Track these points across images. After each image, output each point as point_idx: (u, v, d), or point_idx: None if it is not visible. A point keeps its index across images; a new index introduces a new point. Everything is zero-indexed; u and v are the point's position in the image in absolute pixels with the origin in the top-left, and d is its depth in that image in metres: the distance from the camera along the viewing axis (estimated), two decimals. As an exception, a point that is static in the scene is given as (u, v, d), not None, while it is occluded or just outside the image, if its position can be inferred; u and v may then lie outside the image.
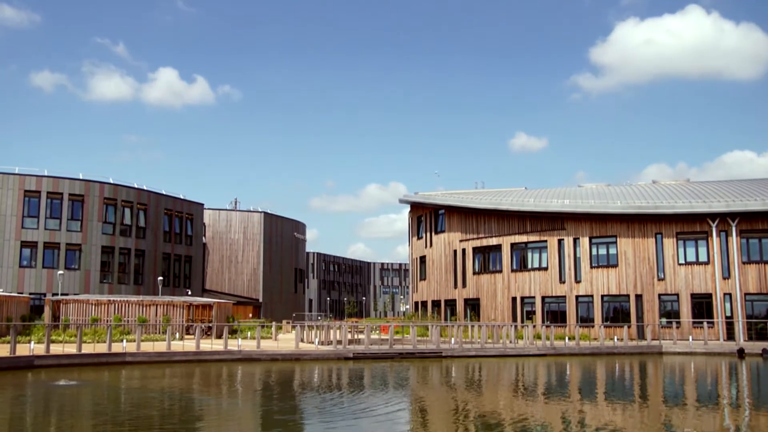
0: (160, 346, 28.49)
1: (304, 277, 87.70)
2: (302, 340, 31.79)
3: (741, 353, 31.95)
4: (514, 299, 44.25)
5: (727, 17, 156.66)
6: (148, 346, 28.05)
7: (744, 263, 38.18)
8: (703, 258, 39.10)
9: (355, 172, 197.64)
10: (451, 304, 48.61)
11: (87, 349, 25.90)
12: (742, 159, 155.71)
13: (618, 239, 40.92)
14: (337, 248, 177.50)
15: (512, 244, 44.92)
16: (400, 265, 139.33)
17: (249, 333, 36.36)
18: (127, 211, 53.37)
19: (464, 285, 47.61)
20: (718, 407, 16.67)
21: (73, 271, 49.41)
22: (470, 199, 47.83)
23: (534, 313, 42.96)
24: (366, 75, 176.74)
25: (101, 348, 26.72)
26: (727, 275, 38.43)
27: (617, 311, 41.09)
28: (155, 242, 56.09)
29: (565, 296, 42.13)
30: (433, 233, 51.16)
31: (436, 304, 50.12)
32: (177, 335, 34.91)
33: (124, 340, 27.65)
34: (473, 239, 47.26)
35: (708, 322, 37.36)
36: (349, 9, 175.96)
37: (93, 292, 48.35)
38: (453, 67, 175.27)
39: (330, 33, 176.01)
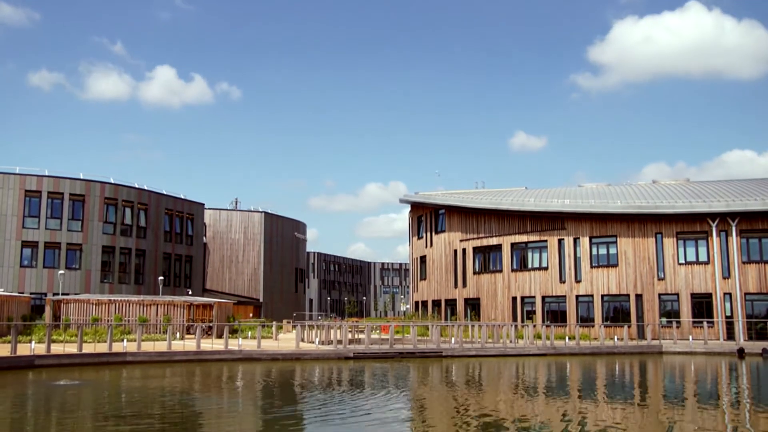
0: (160, 346, 28.54)
1: (304, 277, 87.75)
2: (303, 340, 31.83)
3: (741, 353, 31.97)
4: (514, 299, 44.29)
5: (728, 14, 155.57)
6: (148, 346, 28.09)
7: (744, 263, 38.21)
8: (703, 258, 39.14)
9: (355, 172, 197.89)
10: (451, 303, 48.65)
11: (88, 348, 25.93)
12: (742, 158, 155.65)
13: (618, 239, 40.95)
14: (336, 248, 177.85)
15: (512, 244, 44.95)
16: (401, 264, 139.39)
17: (249, 333, 36.40)
18: (128, 210, 53.42)
19: (464, 285, 47.64)
20: (718, 407, 16.70)
21: (74, 270, 49.47)
22: (470, 199, 47.87)
23: (534, 312, 42.99)
24: (365, 74, 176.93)
25: (102, 348, 26.76)
26: (727, 275, 38.46)
27: (617, 311, 41.13)
28: (156, 242, 56.14)
29: (565, 296, 42.16)
30: (433, 233, 51.19)
31: (436, 303, 50.15)
32: (178, 335, 34.96)
33: (125, 340, 27.70)
34: (473, 239, 47.30)
35: (708, 322, 37.39)
36: (348, 8, 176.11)
37: (94, 292, 48.39)
38: (452, 67, 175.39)
39: (330, 32, 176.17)
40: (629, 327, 37.40)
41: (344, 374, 23.32)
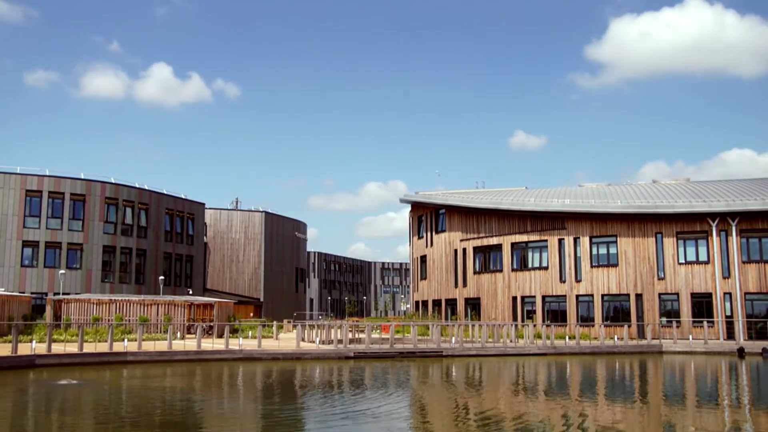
0: (161, 346, 28.59)
1: (305, 277, 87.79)
2: (303, 340, 31.88)
3: (741, 352, 32.01)
4: (514, 299, 44.32)
5: (730, 9, 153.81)
6: (149, 346, 28.14)
7: (744, 263, 38.23)
8: (703, 257, 39.16)
9: (354, 171, 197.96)
10: (451, 303, 48.68)
11: (88, 348, 25.97)
12: (741, 158, 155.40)
13: (618, 239, 40.97)
14: (336, 247, 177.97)
15: (513, 244, 44.98)
16: (401, 264, 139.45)
17: (250, 332, 36.44)
18: (129, 210, 53.45)
19: (465, 284, 47.67)
20: (718, 406, 16.73)
21: (75, 270, 49.51)
22: (471, 199, 47.91)
23: (534, 312, 43.02)
24: (365, 74, 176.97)
25: (102, 347, 26.81)
26: (727, 275, 38.47)
27: (617, 310, 41.16)
28: (156, 242, 56.19)
29: (565, 296, 42.19)
30: (433, 233, 51.23)
31: (436, 303, 50.19)
32: (178, 334, 35.02)
33: (126, 340, 27.74)
34: (474, 239, 47.33)
35: (708, 322, 37.41)
36: (348, 7, 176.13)
37: (94, 292, 48.43)
38: (452, 66, 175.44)
39: (329, 31, 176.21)
40: (629, 327, 37.43)
41: (345, 374, 23.35)
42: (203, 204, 64.20)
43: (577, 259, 42.17)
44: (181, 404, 16.21)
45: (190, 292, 57.42)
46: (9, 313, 33.88)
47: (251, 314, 66.45)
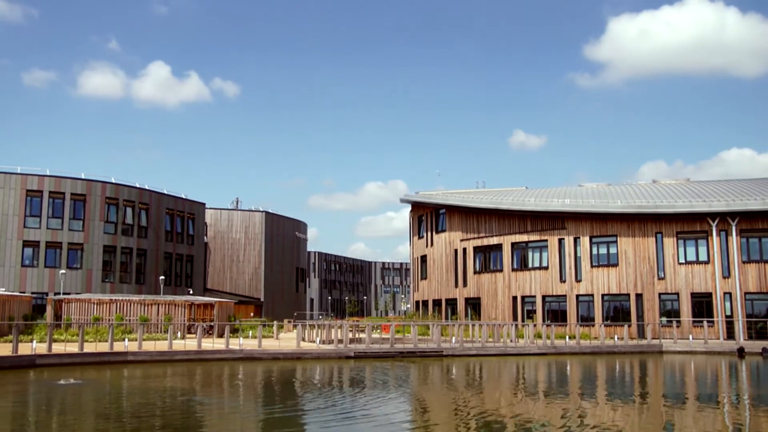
0: (161, 345, 28.62)
1: (305, 277, 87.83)
2: (303, 339, 31.91)
3: (741, 352, 32.02)
4: (514, 298, 44.34)
5: (731, 7, 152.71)
6: (149, 345, 28.16)
7: (744, 262, 38.25)
8: (703, 257, 39.18)
9: (354, 171, 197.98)
10: (452, 303, 48.70)
11: (89, 348, 26.01)
12: (741, 157, 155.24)
13: (618, 238, 41.00)
14: (336, 246, 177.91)
15: (513, 244, 45.00)
16: (401, 264, 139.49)
17: (250, 332, 36.46)
18: (129, 210, 53.49)
19: (465, 284, 47.70)
20: (718, 406, 16.75)
21: (75, 270, 49.55)
22: (471, 199, 47.93)
23: (534, 312, 43.04)
24: (365, 73, 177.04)
25: (103, 347, 26.84)
26: (727, 274, 38.49)
27: (617, 310, 41.18)
28: (157, 242, 56.23)
29: (565, 295, 42.22)
30: (434, 232, 51.26)
31: (437, 303, 50.21)
32: (179, 334, 35.05)
33: (126, 339, 27.78)
34: (474, 238, 47.35)
35: (708, 322, 37.42)
36: (348, 6, 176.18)
37: (95, 292, 48.48)
38: (451, 65, 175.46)
39: (329, 30, 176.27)
40: (629, 326, 37.45)
41: (345, 374, 23.38)
42: (204, 204, 64.25)
43: (577, 259, 42.20)
44: (182, 404, 16.24)
45: (191, 292, 57.46)
46: (9, 313, 33.91)
47: (252, 314, 66.49)
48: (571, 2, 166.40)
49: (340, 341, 30.50)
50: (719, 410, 15.89)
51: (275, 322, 38.65)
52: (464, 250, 47.96)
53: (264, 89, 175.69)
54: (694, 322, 38.50)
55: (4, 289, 41.12)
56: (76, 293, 46.24)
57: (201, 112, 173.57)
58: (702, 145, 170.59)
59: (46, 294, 46.05)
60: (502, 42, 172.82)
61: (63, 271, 47.56)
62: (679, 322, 38.46)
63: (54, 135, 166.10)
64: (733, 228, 38.36)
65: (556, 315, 42.46)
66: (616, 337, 36.02)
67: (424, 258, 52.57)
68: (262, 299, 72.36)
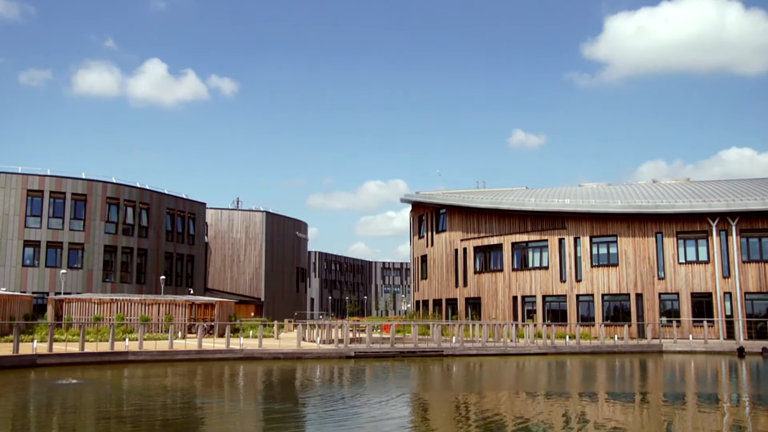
0: (162, 345, 28.66)
1: (305, 276, 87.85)
2: (304, 339, 31.96)
3: (741, 352, 32.05)
4: (515, 298, 44.37)
5: (733, 3, 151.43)
6: (150, 345, 28.21)
7: (744, 262, 38.28)
8: (703, 257, 39.20)
9: (354, 170, 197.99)
10: (452, 303, 48.74)
11: (90, 347, 26.06)
12: (741, 156, 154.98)
13: (618, 238, 41.03)
14: (335, 245, 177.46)
15: (513, 244, 45.03)
16: (402, 264, 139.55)
17: (251, 332, 36.53)
18: (130, 210, 53.53)
19: (465, 284, 47.73)
20: (719, 406, 16.79)
21: (76, 270, 49.59)
22: (471, 199, 47.97)
23: (535, 312, 43.08)
24: (364, 73, 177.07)
25: (104, 347, 26.89)
26: (727, 274, 38.52)
27: (618, 310, 41.21)
28: (157, 241, 56.27)
29: (565, 295, 42.25)
30: (434, 232, 51.30)
31: (437, 303, 50.25)
32: (179, 334, 35.10)
33: (127, 339, 27.80)
34: (474, 238, 47.39)
35: (708, 321, 37.46)
36: (348, 6, 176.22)
37: (96, 291, 48.52)
38: (451, 65, 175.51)
39: (329, 30, 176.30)
40: (629, 326, 37.49)
41: (345, 373, 23.42)
42: (204, 204, 64.28)
43: (577, 259, 42.23)
44: (182, 404, 16.27)
45: (191, 292, 57.50)
46: (10, 313, 33.96)
47: (252, 314, 66.56)
48: (570, 1, 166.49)
49: (341, 341, 30.54)
50: (719, 410, 15.93)
51: (276, 322, 38.71)
52: (464, 249, 48.00)
53: (264, 89, 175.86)
54: (694, 321, 38.54)
55: (5, 289, 41.18)
56: (77, 293, 46.29)
57: (199, 111, 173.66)
58: (701, 144, 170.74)
59: (47, 294, 46.09)
60: (501, 42, 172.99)
61: (64, 270, 47.61)
62: (679, 321, 38.49)
63: (51, 134, 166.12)
64: (733, 228, 38.39)
65: (556, 315, 42.49)
66: (616, 336, 36.05)
67: (424, 258, 52.61)
68: (262, 299, 72.40)
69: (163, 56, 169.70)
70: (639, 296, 40.19)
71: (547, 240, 43.34)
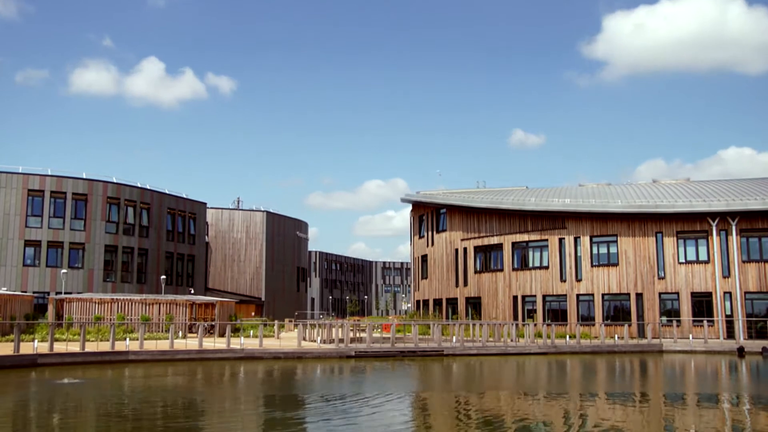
0: (163, 345, 28.69)
1: (306, 276, 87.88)
2: (304, 339, 31.98)
3: (741, 352, 32.08)
4: (515, 298, 44.40)
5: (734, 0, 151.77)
6: (151, 345, 28.24)
7: (744, 262, 38.29)
8: (703, 257, 39.22)
9: (353, 170, 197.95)
10: (452, 302, 48.77)
11: (90, 347, 26.10)
12: (740, 156, 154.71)
13: (619, 238, 41.04)
14: (335, 245, 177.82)
15: (513, 243, 45.06)
16: (402, 263, 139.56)
17: (251, 331, 36.55)
18: (131, 210, 53.57)
19: (465, 284, 47.76)
20: (719, 405, 16.81)
21: (77, 269, 49.63)
22: (471, 199, 48.00)
23: (535, 311, 43.11)
24: (364, 73, 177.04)
25: (104, 346, 26.93)
26: (727, 274, 38.53)
27: (618, 310, 41.23)
28: (158, 241, 56.31)
29: (565, 295, 42.27)
30: (434, 232, 51.33)
31: (437, 302, 50.28)
32: (180, 334, 35.12)
33: (128, 339, 27.85)
34: (475, 238, 47.41)
35: (708, 321, 37.47)
36: (348, 6, 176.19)
37: (96, 291, 48.56)
38: (450, 65, 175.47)
39: (329, 30, 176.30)
40: (630, 326, 37.51)
41: (346, 373, 23.45)
42: (205, 204, 64.31)
43: (577, 259, 42.25)
44: (183, 403, 16.31)
45: (192, 292, 57.54)
46: (11, 313, 34.01)
47: (253, 313, 66.56)
48: (571, 2, 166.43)
49: (341, 341, 30.57)
50: (719, 409, 15.95)
51: (276, 322, 38.75)
52: (465, 249, 48.03)
53: (264, 88, 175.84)
54: (694, 321, 38.55)
55: (5, 289, 41.23)
56: (78, 293, 46.32)
57: (199, 111, 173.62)
58: (701, 143, 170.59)
59: (48, 293, 46.14)
60: (501, 42, 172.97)
61: (64, 270, 47.65)
62: (679, 321, 38.51)
63: (51, 134, 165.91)
64: (733, 228, 38.40)
65: (556, 314, 42.51)
66: (616, 336, 36.08)
67: (424, 257, 52.64)
68: (263, 299, 72.44)
69: (161, 54, 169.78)
70: (639, 296, 40.21)
71: (547, 240, 43.37)
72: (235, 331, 34.61)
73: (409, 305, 78.93)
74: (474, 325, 35.76)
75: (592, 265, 41.72)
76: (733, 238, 38.38)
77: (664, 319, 39.21)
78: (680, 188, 44.39)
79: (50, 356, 24.00)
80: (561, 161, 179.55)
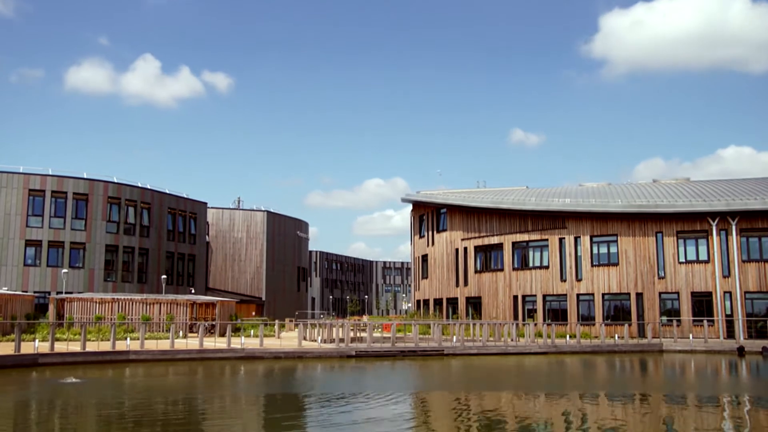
0: (163, 344, 28.74)
1: (306, 276, 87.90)
2: (305, 339, 32.03)
3: (741, 351, 32.11)
4: (515, 297, 44.43)
5: None
6: (151, 344, 28.29)
7: (744, 262, 38.31)
8: (703, 256, 39.24)
9: (352, 168, 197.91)
10: (452, 302, 48.80)
11: (91, 347, 26.14)
12: (740, 155, 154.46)
13: (619, 238, 41.07)
14: (335, 245, 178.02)
15: (514, 243, 45.09)
16: (402, 263, 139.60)
17: (252, 331, 36.60)
18: (131, 210, 53.60)
19: (466, 283, 47.80)
20: (719, 405, 16.84)
21: (78, 269, 49.67)
22: (472, 198, 48.03)
23: (535, 311, 43.14)
24: (364, 73, 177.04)
25: (105, 346, 26.97)
26: (727, 274, 38.55)
27: (618, 309, 41.25)
28: (159, 241, 56.36)
29: (566, 294, 42.30)
30: (435, 232, 51.36)
31: (438, 302, 50.32)
32: (180, 333, 35.17)
33: (128, 338, 27.89)
34: (475, 238, 47.45)
35: (708, 321, 37.49)
36: (348, 6, 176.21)
37: (97, 291, 48.60)
38: (450, 65, 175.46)
39: (329, 30, 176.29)
40: (630, 325, 37.54)
41: (346, 372, 23.49)
42: (205, 203, 64.33)
43: (577, 259, 42.28)
44: (183, 403, 16.35)
45: (193, 291, 57.59)
46: (12, 312, 34.07)
47: (253, 313, 66.58)
48: (570, 2, 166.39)
49: (342, 340, 30.61)
50: (719, 409, 15.98)
51: (277, 321, 38.79)
52: (465, 249, 48.06)
53: (263, 88, 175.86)
54: (694, 321, 38.58)
55: (6, 289, 41.29)
56: (79, 292, 46.37)
57: (198, 110, 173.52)
58: (700, 142, 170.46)
59: (49, 293, 46.17)
60: (501, 42, 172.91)
61: (65, 270, 47.68)
62: (679, 321, 38.53)
63: (51, 134, 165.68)
64: (733, 227, 38.42)
65: (556, 314, 42.53)
66: (616, 336, 36.11)
67: (425, 257, 52.67)
68: (263, 298, 72.47)
69: (157, 53, 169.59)
70: (639, 295, 40.23)
71: (547, 239, 43.40)
72: (236, 330, 34.65)
73: (410, 305, 78.99)
74: (474, 324, 35.80)
75: (592, 265, 41.75)
76: (733, 238, 38.40)
77: (665, 318, 39.24)
78: (680, 188, 44.41)
79: (51, 356, 24.04)
80: (561, 161, 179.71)
